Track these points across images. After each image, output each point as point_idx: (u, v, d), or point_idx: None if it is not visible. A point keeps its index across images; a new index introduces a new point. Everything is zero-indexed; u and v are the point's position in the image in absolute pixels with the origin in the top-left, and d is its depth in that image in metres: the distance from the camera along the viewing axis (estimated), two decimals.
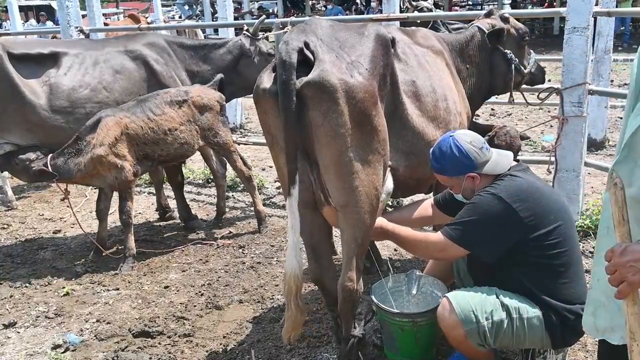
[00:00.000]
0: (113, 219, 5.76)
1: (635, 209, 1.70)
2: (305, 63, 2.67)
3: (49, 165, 4.47)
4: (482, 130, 3.95)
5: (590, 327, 1.98)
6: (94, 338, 3.72)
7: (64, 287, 4.41)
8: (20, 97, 4.56)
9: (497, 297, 2.81)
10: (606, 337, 1.91)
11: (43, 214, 6.28)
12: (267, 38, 5.77)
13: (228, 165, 5.49)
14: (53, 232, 5.73)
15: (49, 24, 18.66)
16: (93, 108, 4.76)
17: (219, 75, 5.26)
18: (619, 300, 1.66)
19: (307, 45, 2.70)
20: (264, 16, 6.66)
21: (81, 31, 7.21)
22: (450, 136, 2.92)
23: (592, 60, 4.79)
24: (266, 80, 2.77)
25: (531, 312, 2.78)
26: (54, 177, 4.49)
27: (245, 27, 5.69)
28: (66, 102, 4.70)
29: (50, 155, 4.53)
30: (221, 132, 5.11)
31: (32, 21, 20.41)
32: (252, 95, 2.95)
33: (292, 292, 2.80)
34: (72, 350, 3.62)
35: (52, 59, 4.81)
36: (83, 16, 8.45)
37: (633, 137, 1.72)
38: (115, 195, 4.89)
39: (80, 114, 4.70)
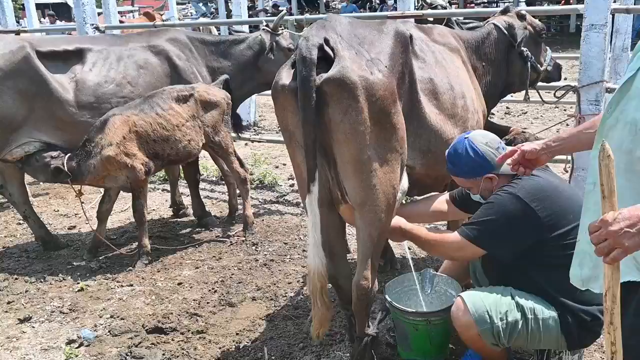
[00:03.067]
0: (127, 215, 5.81)
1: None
2: (325, 59, 2.65)
3: (65, 166, 4.47)
4: (498, 131, 3.89)
5: (576, 278, 2.03)
6: (108, 334, 3.74)
7: (78, 283, 4.44)
8: (49, 93, 4.61)
9: (512, 298, 2.78)
10: (590, 287, 1.98)
11: (58, 210, 6.33)
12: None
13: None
14: (68, 228, 5.77)
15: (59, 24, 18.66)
16: (118, 103, 4.80)
17: (224, 76, 5.27)
18: None
19: (327, 41, 2.68)
20: (284, 11, 6.64)
21: (97, 28, 7.26)
22: (465, 138, 2.88)
23: (609, 58, 4.73)
24: (285, 76, 2.76)
25: (547, 313, 2.75)
26: (68, 177, 4.50)
27: (265, 23, 5.67)
28: (92, 98, 4.73)
29: (67, 155, 4.54)
30: (222, 131, 5.08)
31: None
32: (267, 92, 2.95)
33: (317, 289, 2.81)
34: (86, 346, 3.63)
35: (78, 56, 4.85)
36: (99, 14, 8.50)
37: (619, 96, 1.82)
38: (121, 195, 4.89)
39: (106, 109, 4.72)
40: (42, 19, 20.34)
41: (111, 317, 3.96)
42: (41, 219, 5.38)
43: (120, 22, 11.28)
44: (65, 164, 4.48)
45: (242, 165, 5.36)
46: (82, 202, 4.97)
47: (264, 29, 5.54)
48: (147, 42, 5.19)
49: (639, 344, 1.81)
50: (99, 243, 4.96)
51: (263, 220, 5.67)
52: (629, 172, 1.78)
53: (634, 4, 7.08)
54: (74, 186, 4.70)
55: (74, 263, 4.85)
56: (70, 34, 8.77)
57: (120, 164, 4.54)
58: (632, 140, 1.77)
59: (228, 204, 5.80)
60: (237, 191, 5.62)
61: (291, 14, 20.36)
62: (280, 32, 5.54)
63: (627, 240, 1.58)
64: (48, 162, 4.54)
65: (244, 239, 5.18)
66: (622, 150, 1.80)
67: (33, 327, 3.90)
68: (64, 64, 4.77)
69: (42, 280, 4.52)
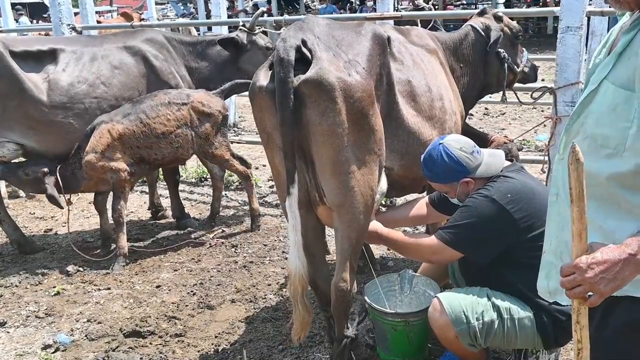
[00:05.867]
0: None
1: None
2: (303, 61, 2.65)
3: (58, 178, 4.55)
4: (476, 137, 3.87)
5: (544, 290, 2.01)
6: (85, 338, 3.69)
7: (54, 287, 4.38)
8: (22, 93, 4.55)
9: (489, 298, 2.80)
10: (557, 299, 1.96)
11: (34, 213, 6.24)
12: (264, 32, 5.76)
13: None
14: (44, 231, 5.69)
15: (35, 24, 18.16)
16: (91, 103, 4.76)
17: (235, 81, 5.21)
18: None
19: (304, 43, 2.68)
20: (260, 10, 6.66)
21: (73, 29, 7.16)
22: (440, 143, 2.90)
23: (585, 60, 4.78)
24: (263, 77, 2.75)
25: (522, 313, 2.78)
26: (76, 188, 4.59)
27: (242, 23, 5.66)
28: (65, 98, 4.69)
29: (59, 167, 4.58)
30: (216, 143, 5.01)
31: (24, 18, 20.05)
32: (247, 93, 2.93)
33: (298, 292, 2.80)
34: (63, 351, 3.59)
35: (51, 56, 4.79)
36: (76, 14, 8.40)
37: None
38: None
39: (79, 109, 4.70)
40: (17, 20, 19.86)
41: (88, 321, 3.91)
42: (16, 222, 5.30)
43: (98, 22, 11.15)
44: (58, 177, 4.56)
45: (242, 162, 5.36)
46: (68, 206, 4.91)
47: (240, 29, 5.54)
48: (123, 43, 5.14)
49: (601, 356, 1.81)
50: (106, 234, 5.06)
51: (243, 222, 5.64)
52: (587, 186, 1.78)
53: (610, 7, 7.16)
54: (64, 195, 4.72)
55: (50, 266, 4.78)
56: (47, 35, 8.66)
57: (105, 167, 4.58)
58: (590, 153, 1.76)
59: (210, 206, 5.76)
60: (220, 193, 5.60)
61: (271, 15, 20.31)
62: (256, 31, 5.53)
63: (604, 286, 1.55)
64: (41, 176, 4.59)
65: (222, 241, 5.15)
66: None
67: (8, 332, 3.83)
68: (37, 63, 4.72)
69: (18, 285, 4.45)
